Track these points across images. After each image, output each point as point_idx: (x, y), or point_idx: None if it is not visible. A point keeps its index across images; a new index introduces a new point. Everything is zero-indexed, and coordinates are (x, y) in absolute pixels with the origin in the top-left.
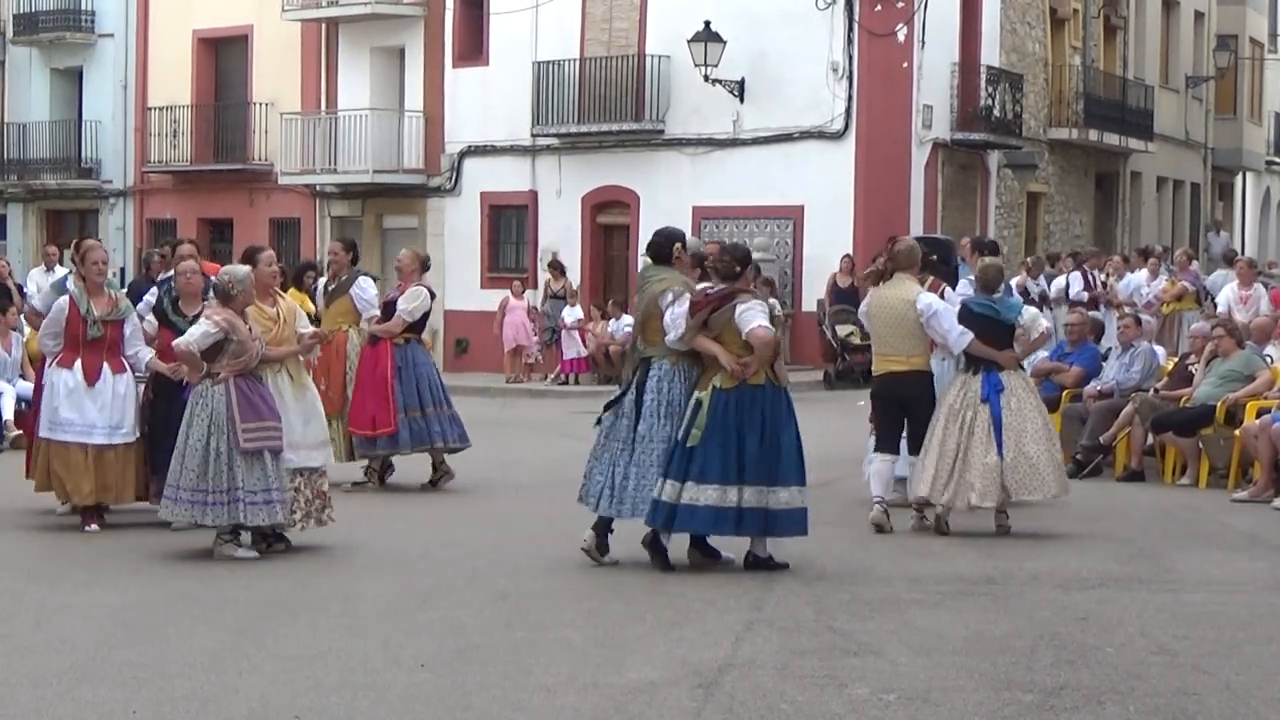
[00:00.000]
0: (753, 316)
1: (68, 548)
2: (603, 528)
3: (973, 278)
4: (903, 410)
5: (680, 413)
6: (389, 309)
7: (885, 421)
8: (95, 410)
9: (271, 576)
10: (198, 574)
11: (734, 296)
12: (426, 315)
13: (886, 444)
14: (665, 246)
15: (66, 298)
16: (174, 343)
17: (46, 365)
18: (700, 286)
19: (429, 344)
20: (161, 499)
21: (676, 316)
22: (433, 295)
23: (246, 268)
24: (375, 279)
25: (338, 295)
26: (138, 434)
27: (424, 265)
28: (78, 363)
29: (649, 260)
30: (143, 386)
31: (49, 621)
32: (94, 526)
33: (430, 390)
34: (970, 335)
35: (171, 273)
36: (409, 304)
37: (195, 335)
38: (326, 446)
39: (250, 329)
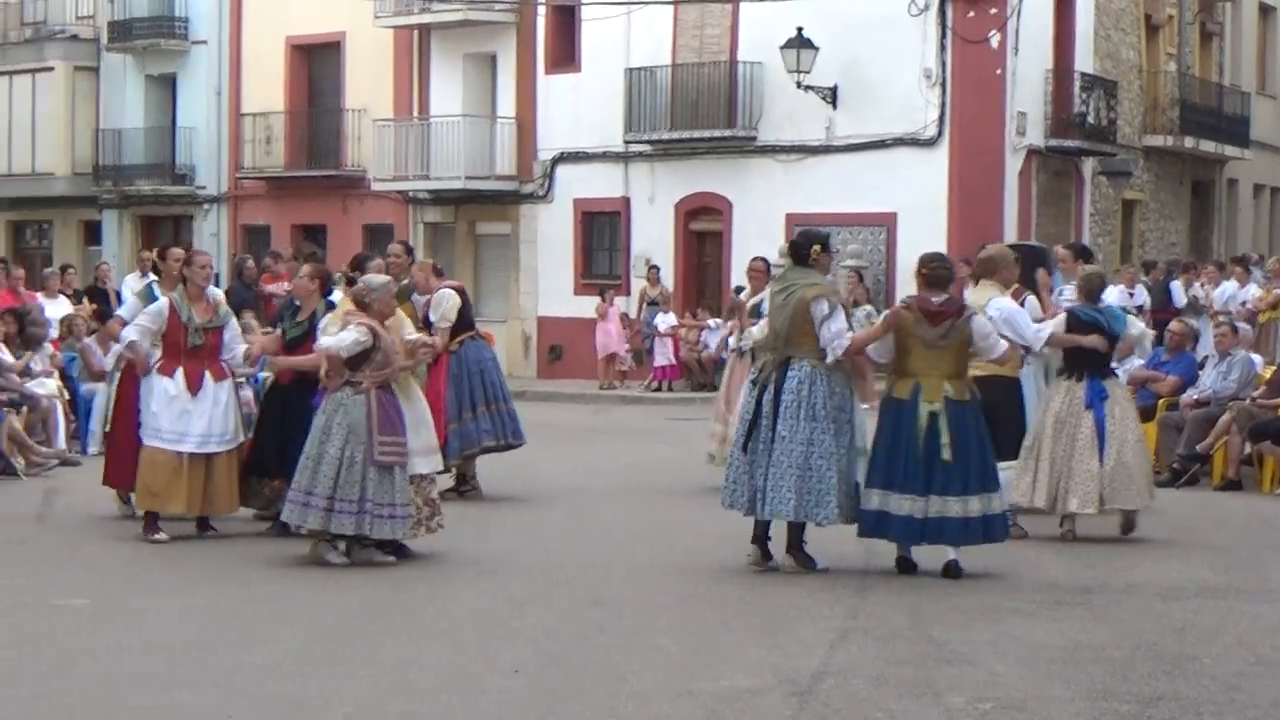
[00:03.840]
0: (998, 339)
1: (163, 552)
2: (763, 539)
3: (1073, 285)
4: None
5: (823, 415)
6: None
7: None
8: (196, 419)
9: (366, 582)
10: (293, 578)
11: (965, 310)
12: (464, 311)
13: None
14: (804, 248)
15: (166, 301)
16: (319, 345)
17: (148, 372)
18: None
19: (490, 338)
20: (287, 503)
21: (837, 334)
22: (461, 291)
23: (385, 277)
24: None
25: (399, 300)
26: (239, 440)
27: (436, 270)
28: (179, 371)
29: (789, 262)
30: (247, 392)
31: (146, 625)
32: (161, 536)
33: (486, 387)
34: (1049, 330)
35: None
36: (437, 312)
37: (346, 342)
38: (435, 453)
39: (390, 341)
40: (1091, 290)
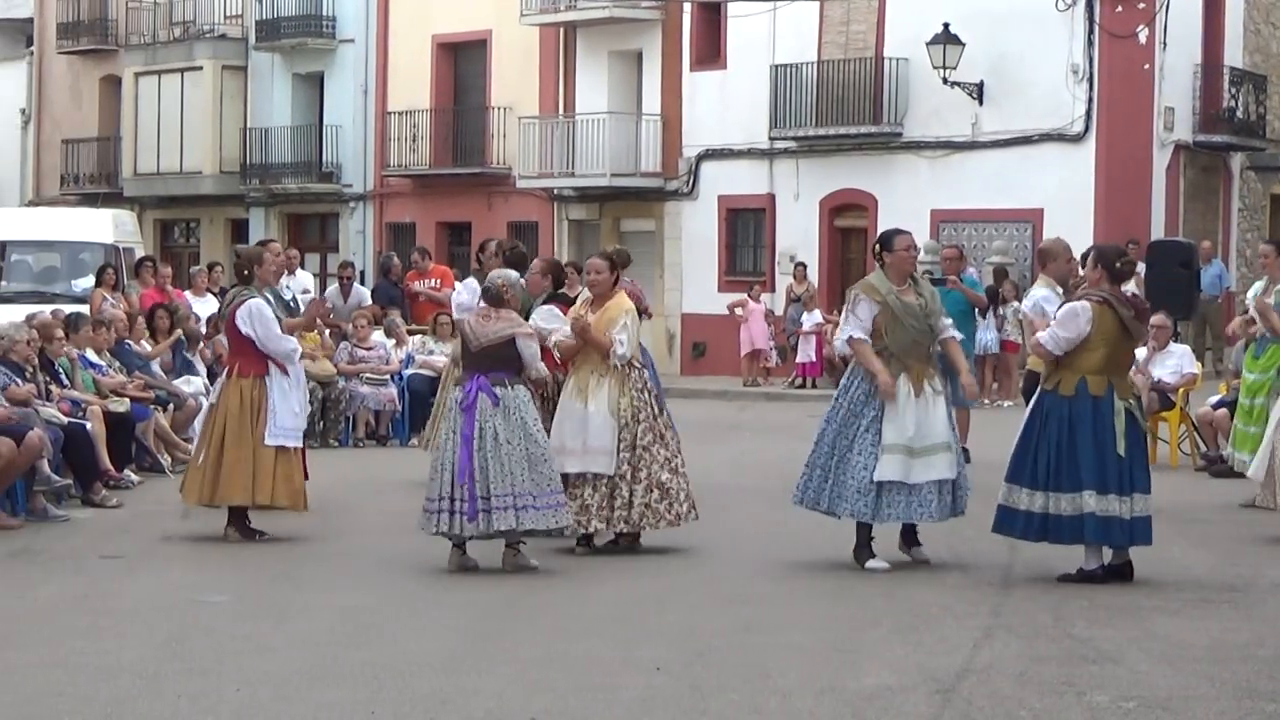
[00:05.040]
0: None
1: (305, 549)
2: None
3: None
4: None
5: (859, 413)
6: None
7: None
8: (302, 414)
9: (507, 579)
10: (434, 577)
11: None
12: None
13: None
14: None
15: (262, 301)
16: (562, 343)
17: (274, 373)
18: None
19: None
20: (497, 511)
21: (847, 323)
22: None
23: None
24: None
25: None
26: None
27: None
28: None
29: None
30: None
31: (290, 622)
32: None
33: None
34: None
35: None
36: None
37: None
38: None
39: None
40: None
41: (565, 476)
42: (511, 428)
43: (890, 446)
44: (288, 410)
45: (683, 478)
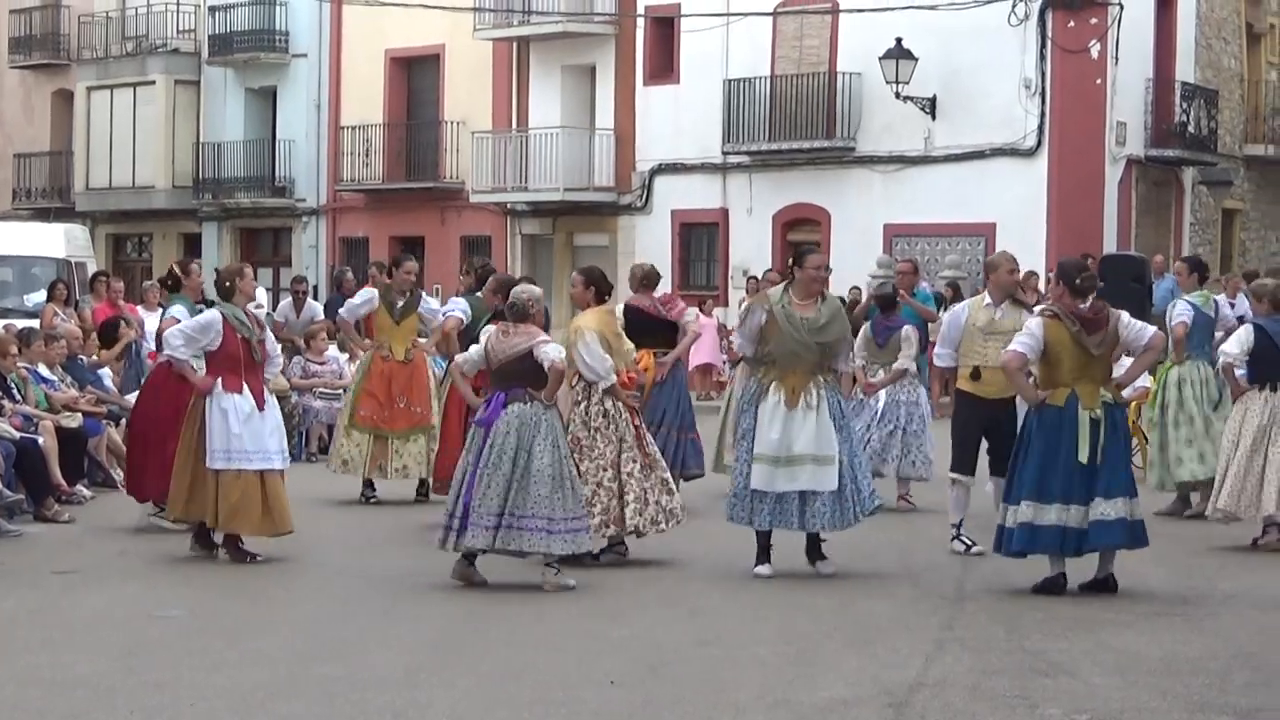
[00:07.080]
0: (1144, 325)
1: (264, 565)
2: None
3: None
4: (984, 432)
5: (739, 421)
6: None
7: (965, 441)
8: (269, 435)
9: (466, 594)
10: (393, 592)
11: (1112, 313)
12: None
13: (963, 465)
14: None
15: (218, 315)
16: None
17: (215, 391)
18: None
19: None
20: (509, 529)
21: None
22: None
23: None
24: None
25: (409, 310)
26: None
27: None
28: (246, 388)
29: None
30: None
31: (246, 636)
32: (260, 555)
33: None
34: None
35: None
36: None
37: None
38: None
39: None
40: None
41: None
42: (520, 445)
43: (758, 456)
44: (223, 431)
45: (653, 488)
